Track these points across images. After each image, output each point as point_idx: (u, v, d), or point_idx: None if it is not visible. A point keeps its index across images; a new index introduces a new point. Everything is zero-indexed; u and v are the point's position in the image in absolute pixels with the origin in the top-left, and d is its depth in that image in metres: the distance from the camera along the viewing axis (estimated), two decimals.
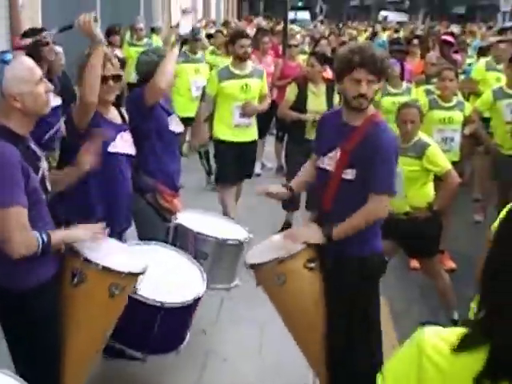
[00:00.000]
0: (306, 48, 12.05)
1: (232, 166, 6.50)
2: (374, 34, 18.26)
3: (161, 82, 4.37)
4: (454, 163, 5.38)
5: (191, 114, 7.66)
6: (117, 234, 3.96)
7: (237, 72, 6.41)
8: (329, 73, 7.10)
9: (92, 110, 3.74)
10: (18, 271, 2.95)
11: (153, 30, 12.59)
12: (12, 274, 2.95)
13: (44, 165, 3.11)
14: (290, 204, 6.35)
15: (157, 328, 3.66)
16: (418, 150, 4.96)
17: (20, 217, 2.84)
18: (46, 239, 2.92)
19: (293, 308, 3.73)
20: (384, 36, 17.71)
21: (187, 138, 8.89)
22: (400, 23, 26.71)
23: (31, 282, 2.98)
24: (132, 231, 4.46)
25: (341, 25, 30.47)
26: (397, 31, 19.40)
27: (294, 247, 3.62)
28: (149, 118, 4.47)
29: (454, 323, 5.08)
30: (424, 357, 1.45)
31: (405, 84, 7.21)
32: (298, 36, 13.28)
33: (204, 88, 6.94)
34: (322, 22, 26.61)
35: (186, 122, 7.87)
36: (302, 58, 9.73)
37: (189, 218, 4.51)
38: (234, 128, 6.46)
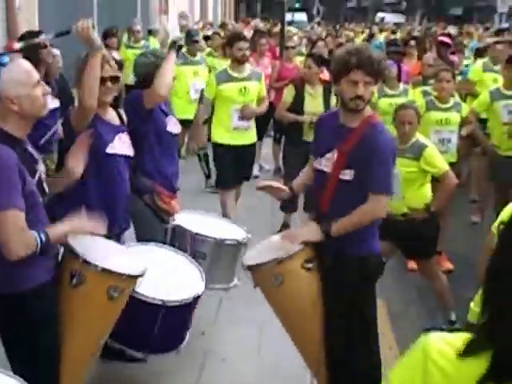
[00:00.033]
0: (303, 50, 12.06)
1: (231, 169, 6.49)
2: (371, 36, 18.30)
3: (161, 89, 4.38)
4: (451, 164, 5.39)
5: (189, 116, 7.67)
6: (115, 235, 3.96)
7: (235, 75, 6.41)
8: (326, 74, 7.10)
9: (91, 114, 3.75)
10: (17, 273, 2.95)
11: (150, 33, 12.60)
12: (11, 276, 2.95)
13: (41, 167, 3.11)
14: (288, 205, 6.33)
15: (158, 327, 3.67)
16: (416, 151, 4.97)
17: (17, 220, 2.84)
18: (44, 238, 2.92)
19: (290, 308, 3.73)
20: (381, 37, 17.73)
21: (186, 140, 8.88)
22: (397, 24, 26.71)
23: (30, 284, 2.98)
24: (130, 233, 4.46)
25: (338, 26, 30.51)
26: (394, 32, 19.42)
27: (292, 248, 3.62)
28: (147, 121, 4.47)
29: (452, 324, 5.09)
30: (429, 361, 1.45)
31: (402, 85, 7.23)
32: (295, 38, 13.29)
33: (202, 91, 6.94)
34: (318, 24, 26.64)
35: (185, 124, 7.87)
36: (299, 60, 9.74)
37: (187, 219, 4.52)
38: (232, 131, 6.46)
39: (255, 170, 8.51)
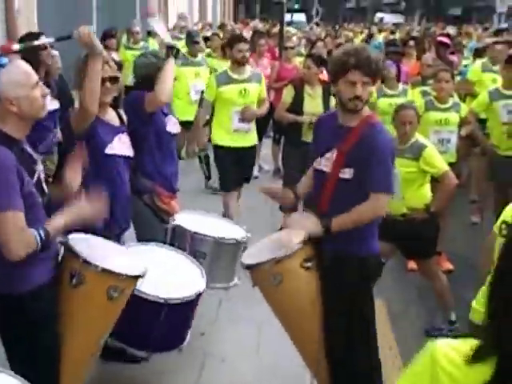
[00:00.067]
0: (303, 50, 12.06)
1: (232, 172, 6.49)
2: (370, 36, 18.30)
3: (162, 95, 4.38)
4: (450, 164, 5.40)
5: (190, 117, 7.66)
6: (115, 235, 3.97)
7: (235, 77, 6.40)
8: (325, 75, 7.10)
9: (91, 118, 3.77)
10: (16, 274, 2.95)
11: (149, 34, 12.60)
12: (10, 276, 2.95)
13: (40, 168, 3.11)
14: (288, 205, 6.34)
15: (160, 325, 3.68)
16: (415, 151, 4.97)
17: (17, 220, 2.85)
18: (43, 234, 2.92)
19: (289, 308, 3.74)
20: (380, 38, 17.74)
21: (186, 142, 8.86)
22: (396, 25, 26.73)
23: (29, 285, 2.98)
24: (130, 233, 4.47)
25: (337, 27, 30.52)
26: (393, 33, 19.43)
27: (291, 247, 3.63)
28: (147, 123, 4.48)
29: (452, 324, 5.09)
30: (438, 367, 1.46)
31: (401, 85, 7.23)
32: (295, 38, 13.30)
33: (203, 93, 6.93)
34: (317, 25, 26.64)
35: (185, 125, 7.87)
36: (298, 60, 9.75)
37: (187, 219, 4.53)
38: (232, 133, 6.44)
39: (254, 171, 8.51)
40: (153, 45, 11.24)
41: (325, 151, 3.62)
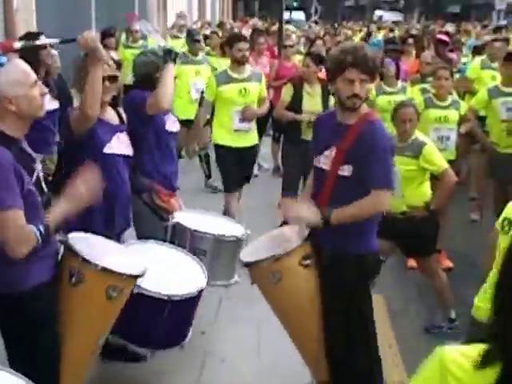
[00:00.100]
0: (302, 48, 12.05)
1: (234, 173, 6.47)
2: (369, 34, 18.29)
3: (163, 102, 4.38)
4: (450, 162, 5.39)
5: (190, 116, 7.63)
6: (115, 235, 3.96)
7: (235, 76, 6.38)
8: (324, 73, 7.09)
9: (91, 122, 3.77)
10: (16, 274, 2.95)
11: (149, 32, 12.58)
12: (10, 276, 2.96)
13: (39, 167, 3.11)
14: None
15: (163, 322, 3.69)
16: (415, 149, 4.97)
17: (17, 218, 2.86)
18: (43, 229, 2.94)
19: (288, 305, 3.74)
20: (379, 36, 17.73)
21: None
22: (395, 23, 26.72)
23: (28, 285, 2.98)
24: (131, 231, 4.47)
25: (336, 25, 30.49)
26: (392, 30, 19.42)
27: (290, 244, 3.63)
28: (147, 123, 4.47)
29: (451, 322, 5.09)
30: (447, 373, 1.47)
31: (400, 83, 7.23)
32: (294, 36, 13.29)
33: (203, 92, 6.91)
34: (316, 23, 26.61)
35: (185, 124, 7.86)
36: (297, 59, 9.74)
37: (186, 217, 4.53)
38: (233, 133, 6.41)
39: (254, 169, 8.51)
40: (152, 43, 11.23)
41: (324, 149, 3.62)
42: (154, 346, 3.80)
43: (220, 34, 11.69)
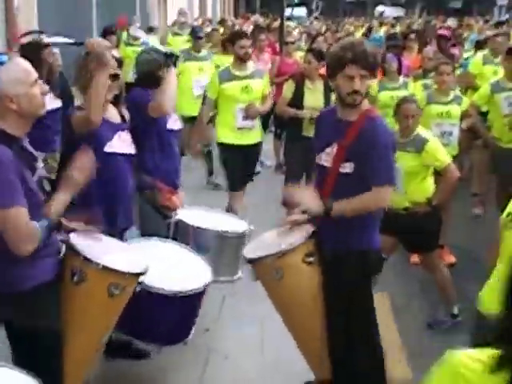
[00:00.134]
0: (303, 45, 12.05)
1: (239, 172, 6.45)
2: (369, 30, 18.25)
3: (165, 106, 4.41)
4: (452, 157, 5.38)
5: (193, 113, 7.62)
6: (118, 233, 3.96)
7: (237, 73, 6.36)
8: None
9: (94, 126, 3.76)
10: (18, 272, 2.96)
11: (150, 30, 12.59)
12: (11, 275, 2.96)
13: (41, 166, 3.11)
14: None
15: (169, 318, 3.72)
16: (418, 144, 4.96)
17: (21, 216, 2.87)
18: (45, 223, 2.96)
19: (290, 302, 3.74)
20: (381, 31, 17.70)
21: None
22: (396, 18, 26.66)
23: (30, 283, 2.98)
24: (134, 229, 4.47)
25: (338, 21, 30.44)
26: (393, 26, 19.39)
27: (294, 241, 3.63)
28: (150, 123, 4.47)
29: (454, 317, 5.09)
30: (459, 377, 1.47)
31: (401, 78, 7.21)
32: (295, 33, 13.29)
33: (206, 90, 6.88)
34: (316, 18, 26.60)
35: (188, 121, 7.85)
36: (299, 55, 9.74)
37: (189, 215, 4.54)
38: (237, 131, 6.40)
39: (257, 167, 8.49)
40: (153, 41, 11.23)
41: (325, 146, 3.62)
42: (160, 342, 3.81)
43: (221, 31, 11.68)
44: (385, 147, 3.51)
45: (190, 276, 3.93)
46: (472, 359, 1.47)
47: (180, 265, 4.05)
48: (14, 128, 2.98)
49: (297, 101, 6.65)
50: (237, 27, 15.27)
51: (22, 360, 3.02)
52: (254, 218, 4.93)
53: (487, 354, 1.46)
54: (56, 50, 6.10)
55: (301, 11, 36.06)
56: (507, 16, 21.97)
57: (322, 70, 6.91)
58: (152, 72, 4.50)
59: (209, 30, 12.11)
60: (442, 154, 5.01)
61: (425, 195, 5.01)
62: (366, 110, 3.60)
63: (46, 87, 3.28)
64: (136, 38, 10.40)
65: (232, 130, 6.40)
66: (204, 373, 4.36)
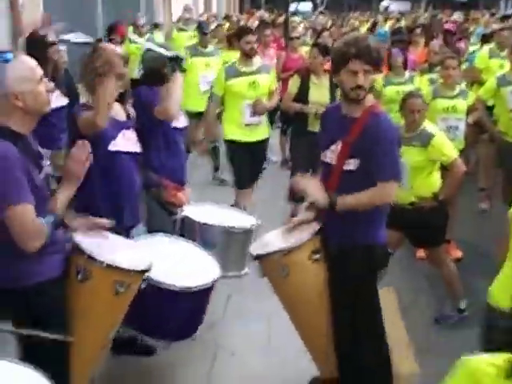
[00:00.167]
0: (308, 40, 12.02)
1: (246, 169, 6.44)
2: (374, 25, 18.16)
3: (171, 111, 4.41)
4: (458, 152, 5.37)
5: (200, 108, 7.61)
6: (124, 231, 3.96)
7: (244, 69, 6.34)
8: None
9: (100, 130, 3.76)
10: (22, 269, 2.97)
11: (155, 26, 12.59)
12: (16, 271, 2.97)
13: (47, 163, 3.12)
14: (296, 196, 6.32)
15: (178, 314, 3.73)
16: (424, 139, 4.95)
17: (29, 213, 2.88)
18: (52, 219, 2.98)
19: (296, 300, 3.75)
20: (386, 26, 17.63)
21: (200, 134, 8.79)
22: (402, 13, 26.55)
23: (34, 279, 3.00)
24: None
25: (344, 16, 30.33)
26: (399, 20, 19.31)
27: (301, 238, 3.63)
28: (156, 124, 4.47)
29: (461, 312, 5.08)
30: (475, 382, 1.47)
31: (407, 73, 7.20)
32: (301, 28, 13.25)
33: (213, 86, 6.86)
34: (321, 13, 26.50)
35: (195, 116, 7.84)
36: (304, 50, 9.72)
37: (195, 211, 4.55)
38: (244, 127, 6.38)
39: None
40: (158, 37, 11.23)
41: (330, 143, 3.62)
42: (168, 337, 3.82)
43: (226, 27, 11.66)
44: (390, 142, 3.51)
45: (198, 272, 3.94)
46: (487, 364, 1.48)
47: (187, 261, 4.05)
48: (20, 125, 2.99)
49: (302, 96, 6.64)
50: (242, 23, 15.25)
51: (29, 357, 3.03)
52: (260, 214, 4.93)
53: (502, 358, 1.46)
54: (62, 47, 6.11)
55: (306, 6, 35.92)
56: None
57: (328, 66, 6.91)
58: (158, 69, 4.50)
59: (214, 25, 12.09)
60: (448, 148, 5.00)
61: (431, 190, 5.00)
62: (370, 106, 3.59)
63: (52, 85, 3.29)
64: (134, 41, 10.40)
65: (239, 127, 6.39)
66: (212, 368, 4.37)
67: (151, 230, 4.46)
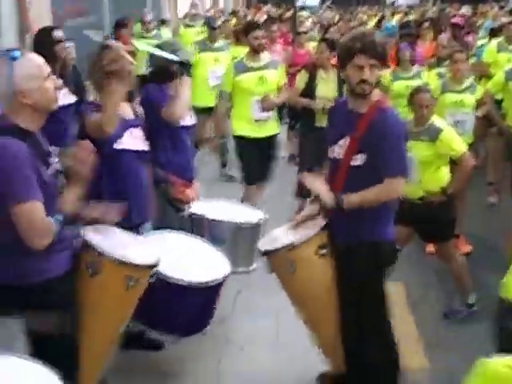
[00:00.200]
0: (315, 34, 11.99)
1: (256, 166, 6.40)
2: (380, 20, 18.09)
3: (178, 114, 4.42)
4: (467, 145, 5.35)
5: (208, 103, 7.60)
6: (134, 229, 3.95)
7: (252, 65, 6.32)
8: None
9: (107, 135, 3.76)
10: (29, 265, 2.98)
11: (162, 22, 12.58)
12: (23, 268, 2.97)
13: (55, 160, 3.13)
14: (303, 192, 6.31)
15: (189, 309, 3.76)
16: (432, 133, 4.94)
17: (37, 210, 2.89)
18: (61, 218, 2.98)
19: (304, 295, 3.75)
20: (393, 21, 17.56)
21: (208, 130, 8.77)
22: (410, 7, 26.43)
23: (42, 277, 3.00)
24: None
25: (352, 9, 30.22)
26: (407, 14, 19.24)
27: (307, 233, 3.63)
28: (163, 124, 4.46)
29: (470, 307, 5.07)
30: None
31: (415, 67, 7.17)
32: (308, 23, 13.20)
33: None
34: (329, 8, 26.41)
35: (204, 112, 7.82)
36: (311, 45, 9.69)
37: (203, 207, 4.55)
38: (253, 123, 6.35)
39: None
40: (165, 33, 11.22)
41: (338, 138, 3.61)
42: (179, 332, 3.85)
43: (233, 22, 11.64)
44: (396, 138, 3.50)
45: (209, 267, 3.96)
46: (506, 367, 1.47)
47: (196, 256, 4.07)
48: (28, 122, 3.00)
49: (309, 91, 6.63)
50: (249, 18, 15.22)
51: (38, 353, 3.04)
52: (268, 209, 4.93)
53: None
54: (70, 44, 6.10)
55: (313, 0, 35.79)
56: None
57: (335, 60, 6.89)
58: (165, 67, 4.49)
59: (220, 21, 12.07)
60: (457, 142, 4.98)
61: (439, 184, 4.98)
62: (377, 101, 3.59)
63: (60, 82, 3.30)
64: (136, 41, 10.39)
65: (248, 123, 6.37)
66: (219, 364, 4.37)
67: (159, 227, 4.47)
